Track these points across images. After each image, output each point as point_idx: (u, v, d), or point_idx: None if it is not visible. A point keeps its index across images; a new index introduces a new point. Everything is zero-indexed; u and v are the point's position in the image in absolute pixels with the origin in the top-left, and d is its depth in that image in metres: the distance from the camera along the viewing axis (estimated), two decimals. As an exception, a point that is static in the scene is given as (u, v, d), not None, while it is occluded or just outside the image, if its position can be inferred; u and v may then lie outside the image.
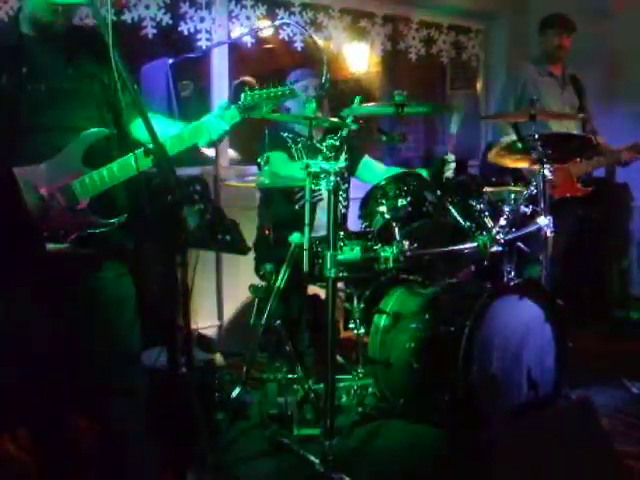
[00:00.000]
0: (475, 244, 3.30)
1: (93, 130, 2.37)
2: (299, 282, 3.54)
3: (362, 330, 3.47)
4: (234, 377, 3.61)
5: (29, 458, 2.71)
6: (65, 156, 2.34)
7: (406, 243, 3.16)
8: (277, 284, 3.43)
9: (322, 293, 3.18)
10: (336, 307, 2.95)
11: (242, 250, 3.46)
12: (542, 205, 3.58)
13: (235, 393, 3.45)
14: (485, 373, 3.12)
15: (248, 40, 4.73)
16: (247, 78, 2.80)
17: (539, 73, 4.91)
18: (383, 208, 3.37)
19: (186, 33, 4.52)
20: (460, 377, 3.05)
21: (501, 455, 2.75)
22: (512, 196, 3.53)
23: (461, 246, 3.34)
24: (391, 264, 3.13)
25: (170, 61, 3.80)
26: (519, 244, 3.60)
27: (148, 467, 2.59)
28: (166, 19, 4.38)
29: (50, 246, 2.28)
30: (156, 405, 2.42)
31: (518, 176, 4.43)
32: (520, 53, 5.81)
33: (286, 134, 3.94)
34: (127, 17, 4.25)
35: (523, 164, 4.00)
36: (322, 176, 2.91)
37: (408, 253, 3.14)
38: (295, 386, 3.40)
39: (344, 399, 3.42)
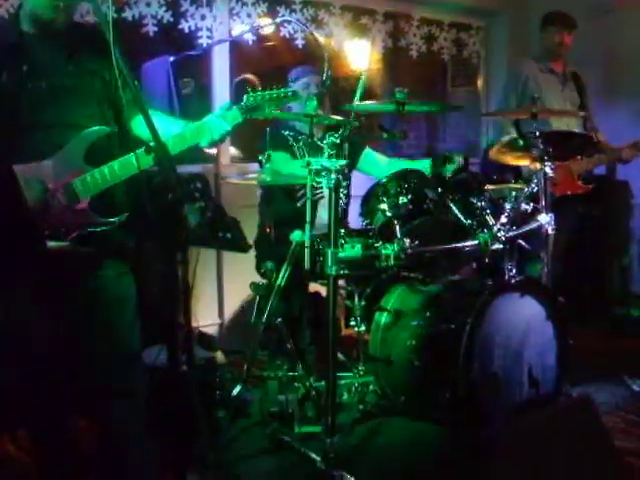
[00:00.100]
0: (476, 242, 3.30)
1: (94, 128, 2.37)
2: (300, 280, 3.54)
3: (363, 328, 3.47)
4: (235, 375, 3.62)
5: (29, 459, 2.71)
6: (66, 154, 2.34)
7: (407, 240, 3.16)
8: (278, 282, 3.43)
9: (323, 291, 3.18)
10: (337, 305, 2.95)
11: (243, 248, 3.45)
12: (543, 203, 3.57)
13: (236, 391, 3.45)
14: (486, 371, 3.12)
15: (249, 37, 4.73)
16: (248, 76, 2.80)
17: (540, 70, 4.90)
18: (384, 205, 3.37)
19: (187, 31, 4.52)
20: (461, 375, 3.05)
21: (502, 453, 2.75)
22: (513, 194, 3.53)
23: (462, 244, 3.33)
24: (392, 262, 3.13)
25: (171, 59, 3.80)
26: (520, 242, 3.60)
27: (148, 467, 2.58)
28: (167, 17, 4.38)
29: (51, 244, 2.28)
30: (156, 404, 2.42)
31: (519, 174, 4.43)
32: (521, 50, 5.81)
33: (287, 132, 3.94)
34: (128, 14, 4.25)
35: (524, 162, 4.00)
36: (323, 174, 2.91)
37: (409, 251, 3.14)
38: (296, 384, 3.40)
39: (345, 397, 3.42)
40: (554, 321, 3.35)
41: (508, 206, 3.44)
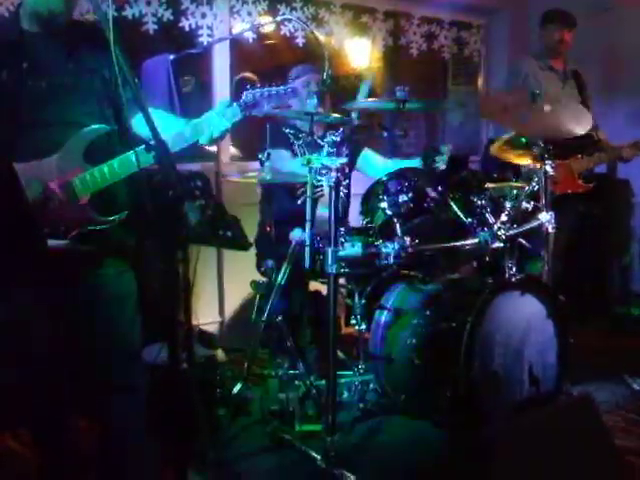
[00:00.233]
0: (476, 240, 3.30)
1: (94, 126, 2.37)
2: (300, 278, 3.54)
3: (363, 326, 3.47)
4: (235, 373, 3.62)
5: (31, 454, 2.71)
6: (66, 152, 2.34)
7: (407, 239, 3.15)
8: (278, 280, 3.43)
9: (323, 289, 3.18)
10: (337, 303, 2.95)
11: (243, 246, 3.46)
12: (543, 201, 3.57)
13: (236, 389, 3.46)
14: (486, 369, 3.12)
15: (249, 36, 4.72)
16: (247, 74, 2.80)
17: (540, 68, 4.90)
18: (384, 204, 3.36)
19: (187, 29, 4.51)
20: (461, 373, 3.05)
21: (502, 451, 2.75)
22: (514, 192, 3.52)
23: (462, 242, 3.33)
24: (392, 260, 3.12)
25: (171, 57, 3.80)
26: (520, 240, 3.59)
27: (149, 464, 2.59)
28: (167, 15, 4.38)
29: (51, 242, 2.28)
30: (157, 401, 2.42)
31: (519, 172, 4.43)
32: (521, 48, 5.80)
33: (287, 130, 3.93)
34: (128, 13, 4.25)
35: (525, 160, 3.99)
36: (323, 172, 2.91)
37: (409, 249, 3.13)
38: (296, 382, 3.40)
39: (345, 395, 3.42)
40: (554, 320, 3.35)
41: (508, 204, 3.43)
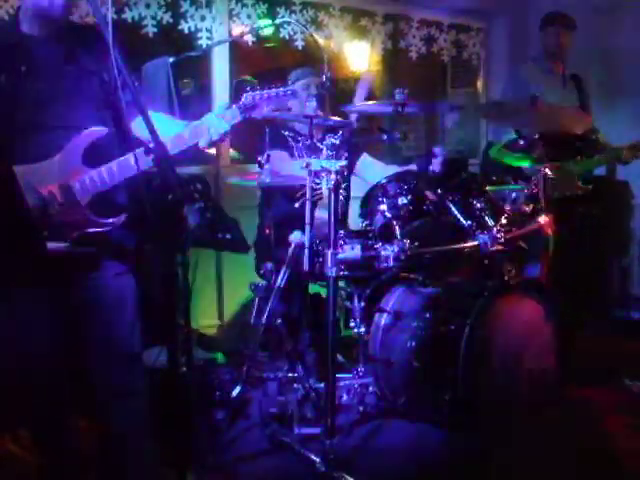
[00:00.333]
0: (476, 243, 3.30)
1: (93, 129, 2.37)
2: (299, 281, 3.54)
3: (363, 329, 3.47)
4: (234, 376, 3.61)
5: (30, 457, 2.71)
6: (65, 155, 2.34)
7: (407, 242, 3.16)
8: (278, 283, 3.43)
9: (323, 292, 3.18)
10: (337, 306, 2.95)
11: (242, 249, 3.46)
12: (542, 204, 3.57)
13: (235, 392, 3.45)
14: (485, 372, 3.12)
15: (249, 39, 4.73)
16: (246, 77, 2.80)
17: (540, 71, 4.91)
18: (384, 207, 3.37)
19: (187, 32, 4.51)
20: (461, 376, 3.05)
21: (501, 455, 2.76)
22: (513, 195, 3.53)
23: (462, 245, 3.33)
24: (392, 263, 3.13)
25: (171, 60, 3.80)
26: (520, 243, 3.59)
27: (148, 467, 2.59)
28: (167, 18, 4.38)
29: (50, 245, 2.28)
30: (156, 405, 2.42)
31: (519, 175, 4.43)
32: (521, 51, 5.81)
33: (287, 133, 3.94)
34: (127, 16, 4.25)
35: (524, 162, 4.00)
36: (322, 175, 2.91)
37: (409, 252, 3.14)
38: (296, 385, 3.40)
39: (345, 398, 3.42)
40: (554, 323, 3.35)
41: (508, 207, 3.44)
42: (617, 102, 5.50)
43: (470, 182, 3.56)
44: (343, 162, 2.93)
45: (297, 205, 3.72)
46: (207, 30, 4.57)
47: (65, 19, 2.44)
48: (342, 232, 3.13)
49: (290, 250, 3.41)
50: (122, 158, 2.33)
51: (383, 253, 3.13)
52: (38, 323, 2.39)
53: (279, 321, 3.42)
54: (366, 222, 3.49)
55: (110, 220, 2.38)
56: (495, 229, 3.32)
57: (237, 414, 3.46)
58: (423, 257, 3.41)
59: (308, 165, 2.95)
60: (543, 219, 3.53)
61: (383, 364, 3.38)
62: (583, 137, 4.39)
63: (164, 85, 3.85)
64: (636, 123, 5.27)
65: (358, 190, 3.85)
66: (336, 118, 3.59)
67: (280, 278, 3.42)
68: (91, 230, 2.35)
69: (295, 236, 3.40)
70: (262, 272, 3.63)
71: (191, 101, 4.69)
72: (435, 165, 3.71)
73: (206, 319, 4.63)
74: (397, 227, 3.26)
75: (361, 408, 3.43)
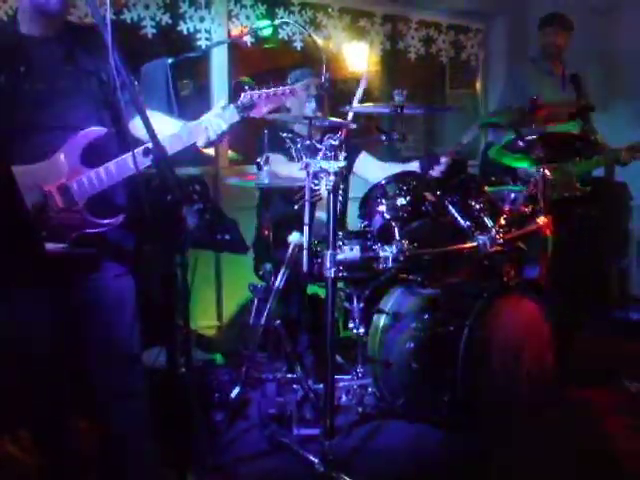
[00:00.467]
0: (475, 244, 3.30)
1: (91, 129, 2.37)
2: (298, 282, 3.53)
3: (361, 330, 3.47)
4: (233, 377, 3.61)
5: (30, 459, 2.71)
6: (63, 155, 2.33)
7: (405, 242, 3.16)
8: (276, 284, 3.43)
9: (322, 293, 3.18)
10: (336, 307, 2.95)
11: (241, 250, 3.46)
12: (541, 205, 3.57)
13: (234, 393, 3.45)
14: (484, 373, 3.12)
15: (247, 40, 4.72)
16: (244, 78, 2.79)
17: (539, 72, 4.92)
18: (383, 207, 3.37)
19: (185, 33, 4.51)
20: (459, 377, 3.05)
21: (501, 456, 2.76)
22: (512, 196, 3.53)
23: (461, 246, 3.33)
24: (391, 264, 3.13)
25: (169, 61, 3.79)
26: (519, 244, 3.59)
27: (148, 468, 2.59)
28: (165, 19, 4.38)
29: (49, 246, 2.28)
30: (156, 405, 2.42)
31: (518, 176, 4.43)
32: (519, 53, 5.81)
33: (285, 134, 3.93)
34: (126, 17, 4.25)
35: (523, 163, 4.00)
36: (321, 176, 2.91)
37: (407, 253, 3.14)
38: (294, 386, 3.40)
39: (343, 399, 3.42)
40: (552, 323, 3.35)
41: (507, 208, 3.44)
42: (616, 103, 5.50)
43: (469, 183, 3.56)
44: (342, 163, 2.93)
45: (296, 207, 3.73)
46: (206, 31, 4.57)
47: (63, 17, 2.44)
48: (341, 233, 3.13)
49: (289, 251, 3.41)
50: (120, 158, 2.33)
51: (382, 254, 3.13)
52: (38, 324, 2.39)
53: (278, 322, 3.42)
54: (365, 223, 3.49)
55: (108, 221, 2.38)
56: (494, 230, 3.33)
57: (236, 415, 3.46)
58: (422, 258, 3.41)
59: (307, 166, 2.95)
60: (542, 220, 3.53)
61: (382, 365, 3.38)
62: (582, 138, 4.39)
63: (163, 86, 3.84)
64: (635, 124, 5.28)
65: (357, 191, 3.85)
66: (335, 119, 3.58)
67: (279, 279, 3.42)
68: (89, 231, 2.35)
69: (294, 237, 3.40)
70: (261, 273, 3.63)
71: (190, 102, 4.69)
72: (436, 172, 3.71)
73: (205, 320, 4.63)
74: (396, 228, 3.26)
75: (360, 409, 3.43)
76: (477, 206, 3.43)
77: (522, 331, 3.25)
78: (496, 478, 2.95)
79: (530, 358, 3.25)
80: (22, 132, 2.32)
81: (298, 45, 4.90)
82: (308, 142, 3.25)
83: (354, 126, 3.66)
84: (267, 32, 4.75)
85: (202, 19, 4.55)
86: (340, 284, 3.47)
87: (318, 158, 2.98)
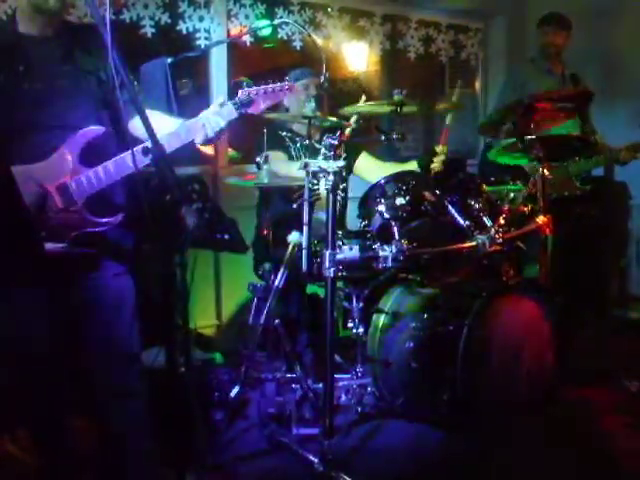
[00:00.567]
0: (474, 243, 3.30)
1: (90, 128, 2.37)
2: (298, 281, 3.53)
3: (361, 329, 3.47)
4: (233, 376, 3.61)
5: (29, 459, 2.71)
6: (61, 155, 2.34)
7: (405, 242, 3.16)
8: (276, 283, 3.43)
9: (321, 292, 3.17)
10: (335, 306, 2.95)
11: (241, 249, 3.46)
12: (541, 204, 3.57)
13: (234, 392, 3.45)
14: (484, 373, 3.12)
15: (247, 39, 4.72)
16: (243, 79, 2.79)
17: (539, 71, 4.93)
18: (382, 207, 3.37)
19: (185, 32, 4.51)
20: (459, 377, 3.05)
21: (500, 455, 2.76)
22: (511, 195, 3.53)
23: (460, 245, 3.33)
24: (390, 263, 3.12)
25: (169, 60, 3.79)
26: (518, 243, 3.59)
27: (148, 467, 2.58)
28: (165, 18, 4.37)
29: (49, 246, 2.28)
30: (155, 405, 2.42)
31: (517, 175, 4.43)
32: (519, 52, 5.82)
33: (284, 133, 3.94)
34: (126, 16, 4.24)
35: (522, 163, 4.00)
36: (321, 175, 2.91)
37: (407, 252, 3.14)
38: (294, 385, 3.40)
39: (343, 398, 3.42)
40: (552, 322, 3.35)
41: (506, 207, 3.43)
42: (616, 102, 5.50)
43: (468, 182, 3.56)
44: (341, 163, 2.93)
45: (295, 206, 3.73)
46: (205, 31, 4.57)
47: (62, 16, 2.44)
48: (340, 232, 3.13)
49: (288, 250, 3.41)
50: (119, 157, 2.33)
51: (381, 253, 3.13)
52: (37, 323, 2.39)
53: (277, 321, 3.42)
54: (364, 222, 3.49)
55: (107, 220, 2.38)
56: (493, 229, 3.32)
57: (235, 414, 3.46)
58: (421, 257, 3.41)
59: (306, 166, 2.95)
60: (541, 219, 3.53)
61: (381, 364, 3.38)
62: (581, 138, 4.38)
63: (162, 86, 3.84)
64: (634, 124, 5.27)
65: (357, 190, 3.85)
66: (334, 119, 3.58)
67: (278, 278, 3.42)
68: (88, 230, 2.35)
69: (293, 237, 3.40)
70: (260, 272, 3.63)
71: (189, 101, 4.68)
72: (437, 163, 3.71)
73: (204, 319, 4.62)
74: (395, 227, 3.26)
75: (359, 408, 3.43)
76: (476, 205, 3.43)
77: (522, 330, 3.25)
78: (495, 477, 2.95)
79: (530, 357, 3.25)
80: (21, 132, 2.32)
81: (297, 45, 4.90)
82: (307, 142, 3.25)
83: (354, 126, 3.66)
84: (266, 32, 4.74)
85: (201, 19, 4.55)
86: (339, 284, 3.47)
87: (317, 158, 2.98)
